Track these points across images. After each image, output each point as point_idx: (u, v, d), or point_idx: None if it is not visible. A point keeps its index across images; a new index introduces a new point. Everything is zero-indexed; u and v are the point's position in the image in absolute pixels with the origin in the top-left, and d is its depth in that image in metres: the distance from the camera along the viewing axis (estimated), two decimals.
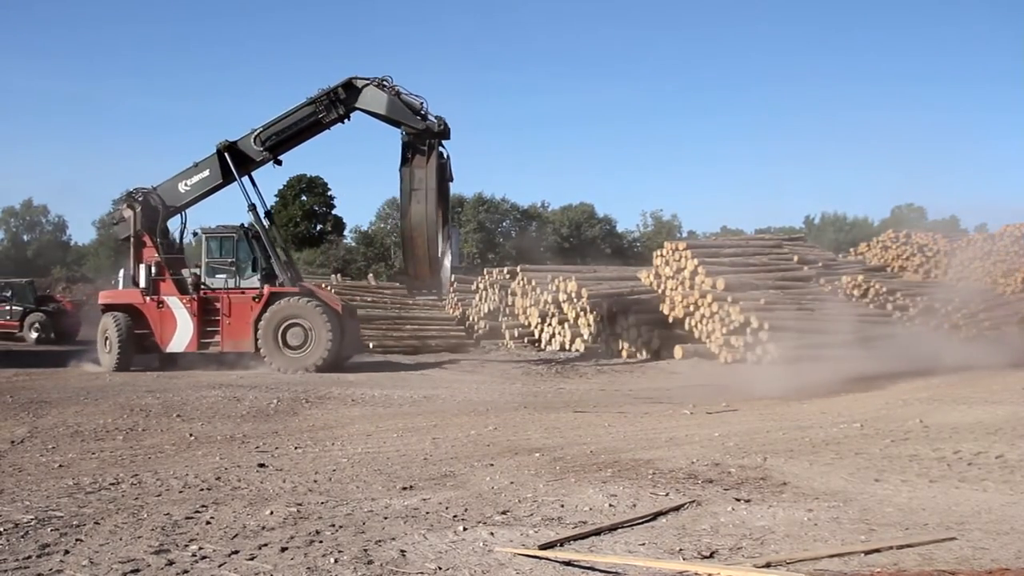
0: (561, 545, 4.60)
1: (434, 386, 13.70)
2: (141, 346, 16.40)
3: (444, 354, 20.85)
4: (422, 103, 15.89)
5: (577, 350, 20.29)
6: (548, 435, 8.62)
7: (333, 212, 58.29)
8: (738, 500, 5.63)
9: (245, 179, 16.62)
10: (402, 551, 4.52)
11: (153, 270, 16.42)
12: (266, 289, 16.21)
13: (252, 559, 4.39)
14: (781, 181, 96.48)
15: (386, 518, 5.23)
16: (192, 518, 5.19)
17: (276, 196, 53.35)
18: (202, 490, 6.06)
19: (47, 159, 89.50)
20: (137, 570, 4.22)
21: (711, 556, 4.41)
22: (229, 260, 16.52)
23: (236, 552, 4.50)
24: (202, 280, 16.44)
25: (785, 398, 11.71)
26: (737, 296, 17.78)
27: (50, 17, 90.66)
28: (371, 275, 35.27)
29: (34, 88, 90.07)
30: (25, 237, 59.74)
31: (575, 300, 20.50)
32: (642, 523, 5.11)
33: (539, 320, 21.89)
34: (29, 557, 4.40)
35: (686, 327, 18.65)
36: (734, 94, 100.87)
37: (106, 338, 16.23)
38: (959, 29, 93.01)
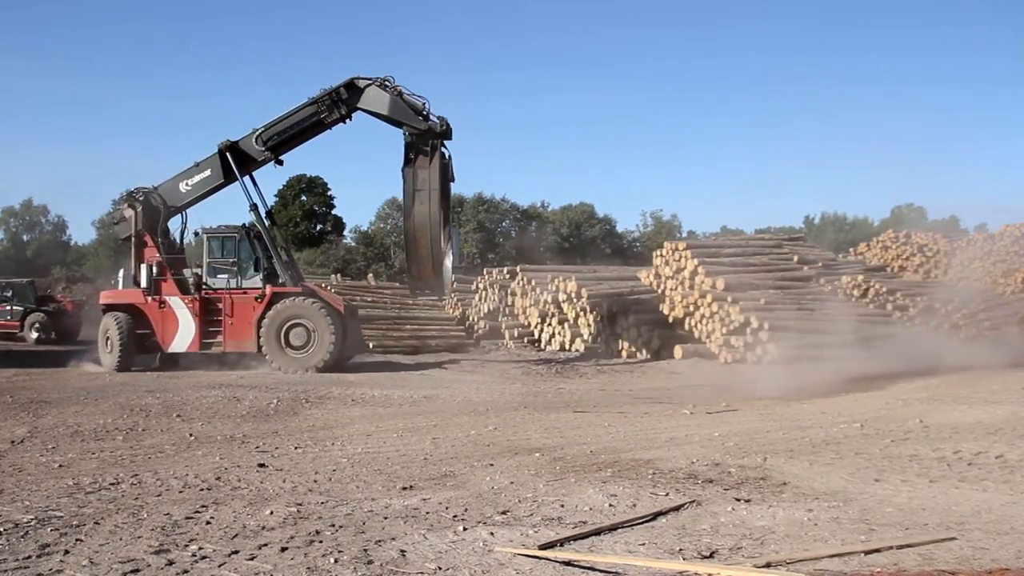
0: (561, 545, 4.61)
1: (434, 386, 13.70)
2: (142, 346, 16.41)
3: (444, 354, 20.85)
4: (424, 103, 15.88)
5: (577, 350, 20.30)
6: (548, 435, 8.62)
7: (333, 212, 58.32)
8: (738, 500, 5.63)
9: (246, 179, 16.62)
10: (402, 551, 4.52)
11: (154, 270, 16.42)
12: (268, 289, 16.21)
13: (252, 559, 4.39)
14: (781, 181, 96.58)
15: (386, 518, 5.23)
16: (192, 518, 5.19)
17: (276, 196, 53.34)
18: (202, 490, 6.06)
19: (47, 159, 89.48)
20: (137, 570, 4.22)
21: (711, 556, 4.41)
22: (231, 260, 16.52)
23: (236, 552, 4.50)
24: (204, 280, 16.45)
25: (785, 398, 11.71)
26: (737, 296, 17.78)
27: (50, 17, 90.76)
28: (371, 275, 35.25)
29: (34, 88, 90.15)
30: (25, 237, 59.71)
31: (575, 300, 20.50)
32: (642, 523, 5.11)
33: (539, 320, 21.90)
34: (29, 557, 4.40)
35: (686, 327, 18.66)
36: (734, 94, 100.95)
37: (107, 338, 16.23)
38: (959, 29, 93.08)
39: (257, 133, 16.30)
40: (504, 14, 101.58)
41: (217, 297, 16.32)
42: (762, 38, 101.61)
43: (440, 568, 4.24)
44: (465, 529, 4.94)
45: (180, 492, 5.99)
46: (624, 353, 19.49)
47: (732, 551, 4.50)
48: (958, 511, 5.34)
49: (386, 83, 16.03)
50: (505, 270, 25.09)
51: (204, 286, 16.40)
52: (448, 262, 16.35)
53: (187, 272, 16.69)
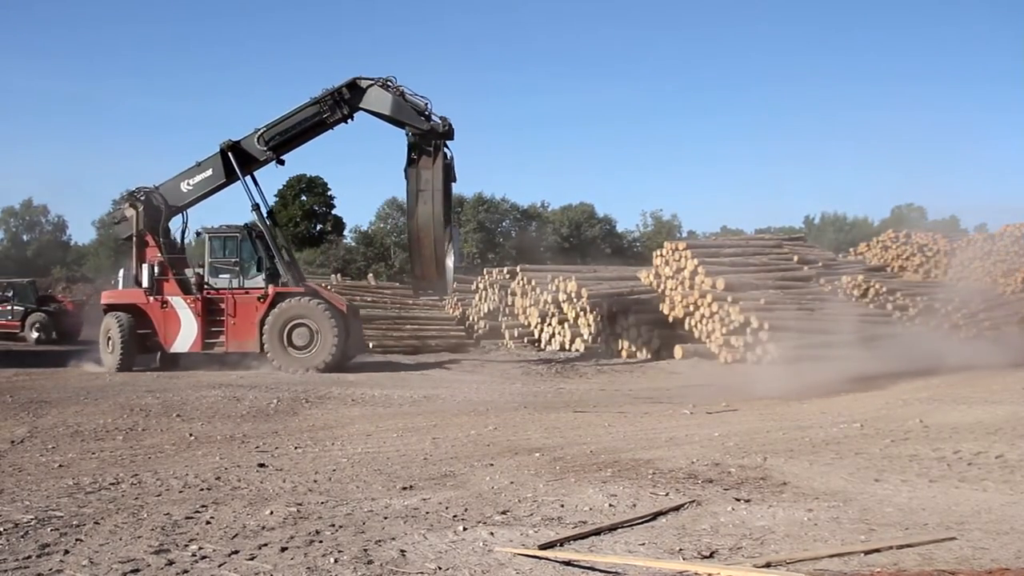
0: (561, 545, 4.61)
1: (434, 386, 13.70)
2: (144, 346, 16.42)
3: (444, 354, 20.86)
4: (426, 103, 15.87)
5: (577, 350, 20.30)
6: (548, 435, 8.62)
7: (333, 212, 58.31)
8: (738, 500, 5.63)
9: (248, 179, 16.63)
10: (402, 551, 4.52)
11: (156, 270, 16.42)
12: (271, 289, 16.21)
13: (252, 559, 4.39)
14: (781, 181, 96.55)
15: (386, 518, 5.23)
16: (192, 518, 5.20)
17: (276, 196, 53.32)
18: (202, 490, 6.06)
19: (47, 159, 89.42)
20: (137, 570, 4.22)
21: (711, 556, 4.41)
22: (233, 260, 16.51)
23: (236, 552, 4.50)
24: (205, 280, 16.44)
25: (785, 398, 11.71)
26: (737, 296, 17.79)
27: (50, 17, 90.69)
28: (371, 275, 35.26)
29: (34, 88, 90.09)
30: (25, 237, 59.68)
31: (575, 300, 20.50)
32: (642, 523, 5.12)
33: (539, 320, 21.90)
34: (29, 557, 4.41)
35: (686, 327, 18.65)
36: (734, 94, 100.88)
37: (108, 338, 16.24)
38: (959, 29, 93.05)
39: (259, 133, 16.30)
40: (504, 14, 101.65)
41: (220, 297, 16.32)
42: (762, 38, 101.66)
43: (440, 568, 4.24)
44: (465, 529, 4.94)
45: (180, 492, 5.99)
46: (624, 353, 19.49)
47: (732, 551, 4.51)
48: (958, 511, 5.34)
49: (388, 83, 16.02)
50: (505, 270, 25.09)
51: (206, 286, 16.40)
52: (450, 262, 16.37)
53: (189, 272, 16.70)
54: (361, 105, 16.13)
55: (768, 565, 4.17)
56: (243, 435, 8.74)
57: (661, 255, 20.17)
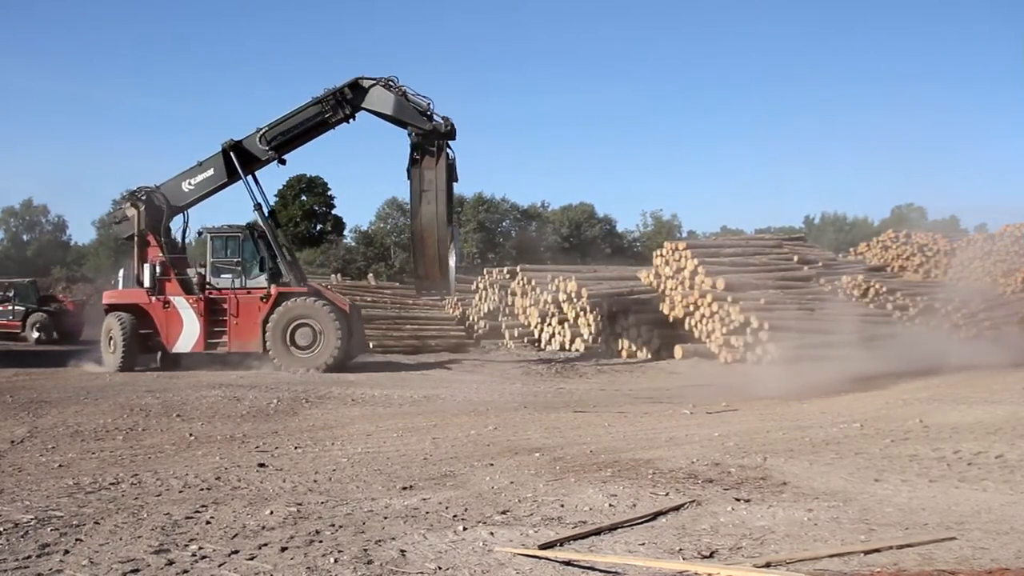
0: (561, 545, 4.61)
1: (434, 386, 13.71)
2: (146, 346, 16.42)
3: (444, 354, 20.86)
4: (429, 103, 15.88)
5: (577, 350, 20.30)
6: (548, 435, 8.63)
7: (333, 212, 58.30)
8: (738, 500, 5.63)
9: (249, 178, 16.63)
10: (402, 551, 4.52)
11: (158, 270, 16.42)
12: (274, 289, 16.20)
13: (252, 559, 4.39)
14: (781, 181, 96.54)
15: (386, 518, 5.23)
16: (192, 518, 5.20)
17: (276, 196, 53.32)
18: (202, 490, 6.06)
19: (47, 159, 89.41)
20: (137, 570, 4.22)
21: (711, 556, 4.41)
22: (235, 260, 16.50)
23: (236, 552, 4.50)
24: (208, 280, 16.44)
25: (785, 398, 11.71)
26: (737, 296, 17.78)
27: (50, 17, 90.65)
28: (371, 275, 35.26)
29: (34, 88, 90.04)
30: (25, 237, 59.68)
31: (575, 300, 20.50)
32: (642, 523, 5.12)
33: (539, 320, 21.89)
34: (29, 557, 4.41)
35: (686, 327, 18.65)
36: (734, 94, 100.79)
37: (110, 338, 16.23)
38: (959, 29, 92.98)
39: (261, 132, 16.30)
40: (504, 14, 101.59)
41: (222, 297, 16.31)
42: (762, 38, 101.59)
43: (440, 568, 4.24)
44: (465, 529, 4.94)
45: (180, 492, 6.00)
46: (624, 353, 19.49)
47: (732, 551, 4.51)
48: (958, 511, 5.34)
49: (390, 83, 16.03)
50: (505, 270, 25.09)
51: (208, 286, 16.40)
52: (452, 261, 16.39)
53: (190, 272, 16.70)
54: (363, 105, 16.13)
55: (768, 565, 4.17)
56: (243, 435, 8.74)
57: (661, 255, 20.17)
